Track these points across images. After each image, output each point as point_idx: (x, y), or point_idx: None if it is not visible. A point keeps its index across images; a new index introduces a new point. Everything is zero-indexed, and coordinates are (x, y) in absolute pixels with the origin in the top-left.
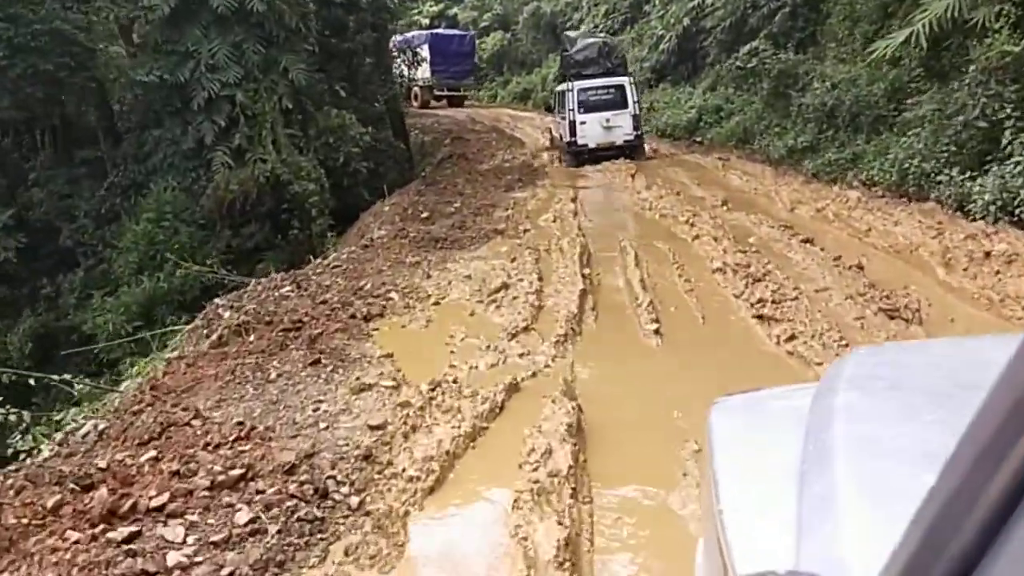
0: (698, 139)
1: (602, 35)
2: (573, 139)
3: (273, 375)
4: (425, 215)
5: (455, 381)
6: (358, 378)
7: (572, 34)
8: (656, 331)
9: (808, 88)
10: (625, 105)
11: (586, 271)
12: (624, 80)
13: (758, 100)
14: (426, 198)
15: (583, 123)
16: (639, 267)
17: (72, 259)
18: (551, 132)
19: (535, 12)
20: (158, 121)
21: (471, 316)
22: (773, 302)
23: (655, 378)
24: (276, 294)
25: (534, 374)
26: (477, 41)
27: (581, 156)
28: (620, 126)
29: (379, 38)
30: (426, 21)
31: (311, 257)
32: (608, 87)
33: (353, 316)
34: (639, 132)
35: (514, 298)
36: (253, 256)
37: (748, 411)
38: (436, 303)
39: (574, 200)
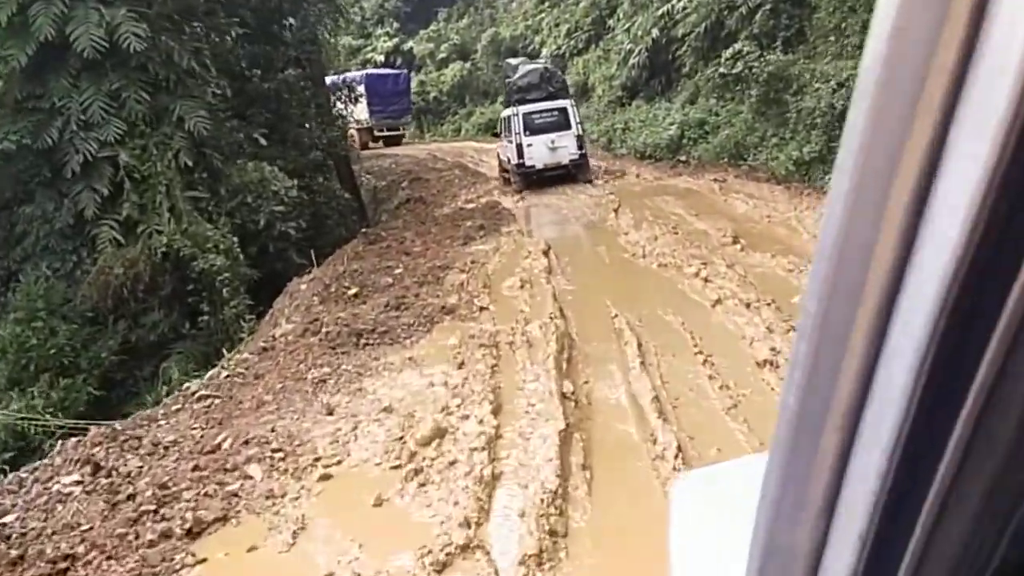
0: (683, 158)
1: (542, 61)
2: (521, 160)
3: None
4: (354, 291)
5: None
6: None
7: (514, 61)
8: None
9: (806, 90)
10: (568, 126)
11: (567, 385)
12: (566, 103)
13: (746, 109)
14: (364, 262)
15: (530, 145)
16: (646, 367)
17: None
18: (499, 157)
19: (493, 39)
20: (29, 195)
21: (376, 508)
22: None
23: None
24: (54, 490)
25: None
26: (422, 76)
27: (530, 177)
28: (565, 146)
29: (309, 75)
30: (380, 58)
31: (224, 351)
32: (551, 110)
33: (167, 534)
34: (583, 151)
35: (452, 463)
36: (159, 351)
37: (707, 486)
38: (324, 477)
39: (547, 252)
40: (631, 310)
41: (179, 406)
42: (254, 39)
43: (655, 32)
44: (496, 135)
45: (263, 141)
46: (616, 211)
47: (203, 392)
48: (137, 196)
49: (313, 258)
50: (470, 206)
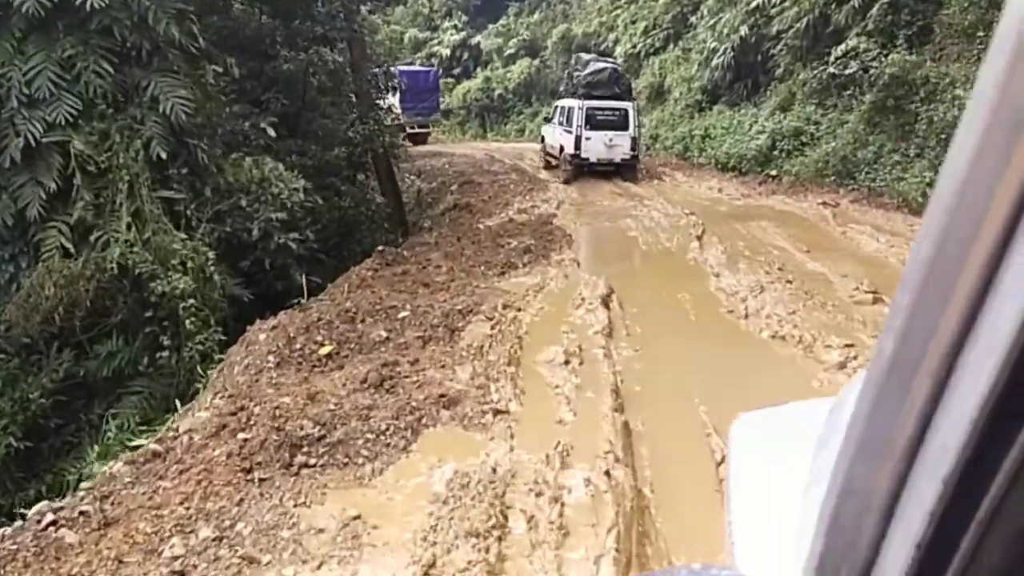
0: (773, 173)
1: (611, 61)
2: (577, 152)
3: None
4: (328, 348)
5: None
6: None
7: (585, 56)
8: None
9: (937, 97)
10: (627, 127)
11: None
12: (628, 105)
13: (855, 118)
14: (366, 295)
15: (588, 139)
16: None
17: None
18: (544, 141)
19: (564, 35)
20: None
21: None
22: None
23: None
24: None
25: None
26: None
27: (581, 168)
28: (620, 145)
29: (343, 60)
30: (447, 52)
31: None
32: (614, 109)
33: None
34: (636, 152)
35: None
36: (115, 388)
37: (767, 425)
38: None
39: (608, 299)
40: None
41: None
42: (274, 9)
43: (744, 29)
44: (547, 120)
45: (271, 132)
46: (700, 239)
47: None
48: (92, 194)
49: (304, 285)
50: (520, 218)
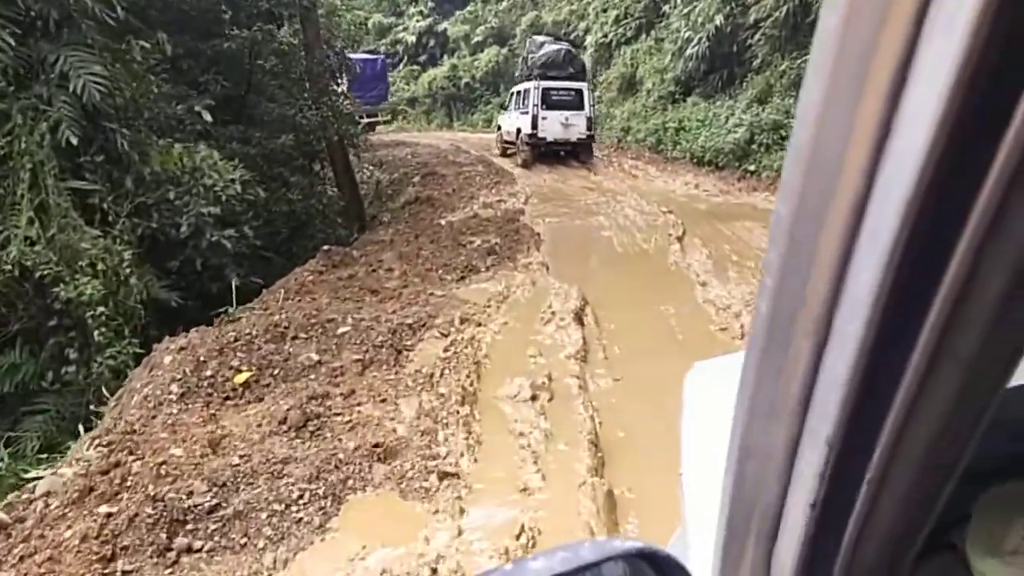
0: (752, 168)
1: (565, 43)
2: (534, 132)
3: None
4: (244, 376)
5: None
6: None
7: (539, 39)
8: None
9: None
10: (582, 107)
11: None
12: (583, 85)
13: None
14: (303, 306)
15: (544, 118)
16: None
17: None
18: (500, 129)
19: (534, 23)
20: None
21: None
22: None
23: None
24: None
25: None
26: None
27: (538, 148)
28: (576, 125)
29: (294, 41)
30: (412, 38)
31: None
32: (569, 89)
33: None
34: (591, 132)
35: None
36: (21, 405)
37: (721, 374)
38: None
39: (581, 313)
40: None
41: None
42: None
43: (719, 19)
44: (503, 108)
45: (207, 116)
46: (680, 240)
47: None
48: None
49: (232, 293)
50: (486, 214)
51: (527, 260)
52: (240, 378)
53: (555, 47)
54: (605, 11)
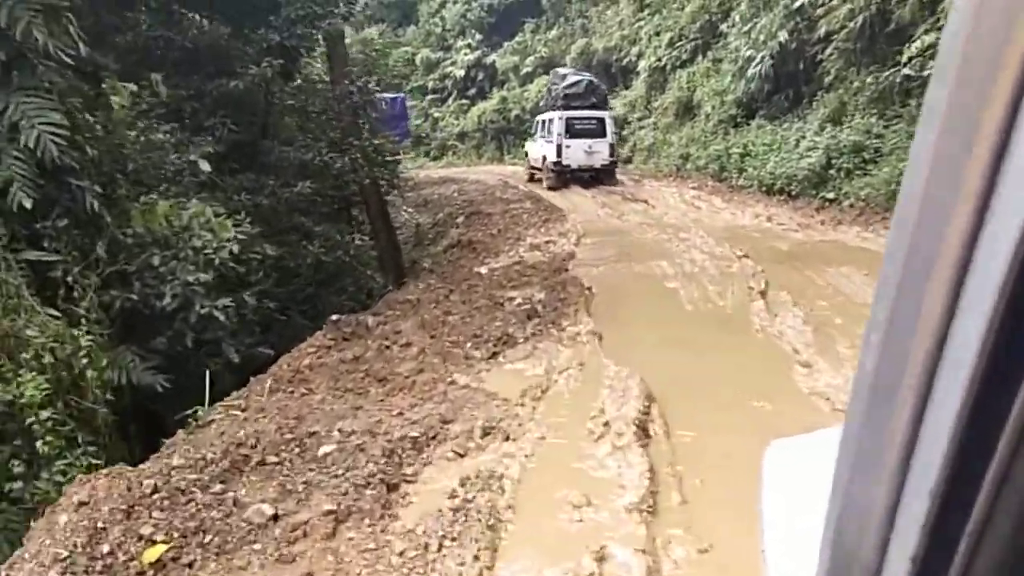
0: (831, 196)
1: (588, 74)
2: (559, 159)
3: None
4: (160, 548)
5: None
6: None
7: (562, 71)
8: None
9: None
10: (604, 135)
11: None
12: (605, 114)
13: None
14: (287, 402)
15: (568, 147)
16: None
17: None
18: (527, 160)
19: (584, 51)
20: None
21: None
22: None
23: None
24: None
25: None
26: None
27: (563, 175)
28: (599, 152)
29: (315, 76)
30: (460, 72)
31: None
32: (592, 118)
33: None
34: (614, 159)
35: None
36: None
37: (801, 452)
38: None
39: (645, 421)
40: None
41: None
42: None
43: (783, 35)
44: (530, 135)
45: (204, 166)
46: (764, 296)
47: None
48: None
49: (284, 343)
50: (532, 258)
51: (575, 328)
52: (150, 555)
53: (577, 78)
54: (658, 34)
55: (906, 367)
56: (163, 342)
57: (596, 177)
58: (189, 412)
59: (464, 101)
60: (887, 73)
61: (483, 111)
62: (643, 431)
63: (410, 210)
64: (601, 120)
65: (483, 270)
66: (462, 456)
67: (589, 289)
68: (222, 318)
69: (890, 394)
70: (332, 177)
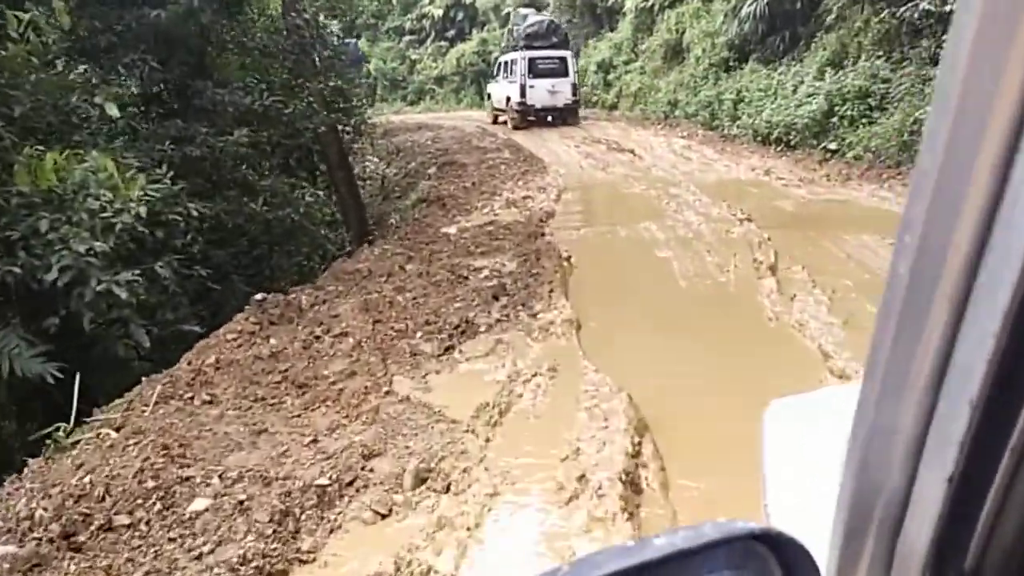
0: (833, 146)
1: (547, 14)
2: (523, 100)
3: None
4: None
5: None
6: None
7: (523, 11)
8: None
9: None
10: (567, 74)
11: None
12: (566, 53)
13: None
14: (173, 421)
15: (532, 87)
16: None
17: None
18: (490, 101)
19: None
20: None
21: None
22: None
23: None
24: None
25: None
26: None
27: (527, 115)
28: (562, 91)
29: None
30: (439, 12)
31: None
32: (554, 57)
33: None
34: (577, 98)
35: None
36: None
37: (801, 410)
38: None
39: (635, 464)
40: None
41: None
42: None
43: None
44: (492, 77)
45: (114, 111)
46: (773, 270)
47: None
48: None
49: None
50: (506, 218)
51: (548, 315)
52: None
53: (539, 18)
54: None
55: (943, 270)
56: (55, 323)
57: (560, 116)
58: (50, 429)
59: (443, 43)
60: (903, 9)
61: (462, 53)
62: (632, 485)
63: (375, 160)
64: (563, 59)
65: (451, 230)
66: (384, 517)
67: (568, 260)
68: (124, 295)
69: (927, 300)
70: (282, 124)
